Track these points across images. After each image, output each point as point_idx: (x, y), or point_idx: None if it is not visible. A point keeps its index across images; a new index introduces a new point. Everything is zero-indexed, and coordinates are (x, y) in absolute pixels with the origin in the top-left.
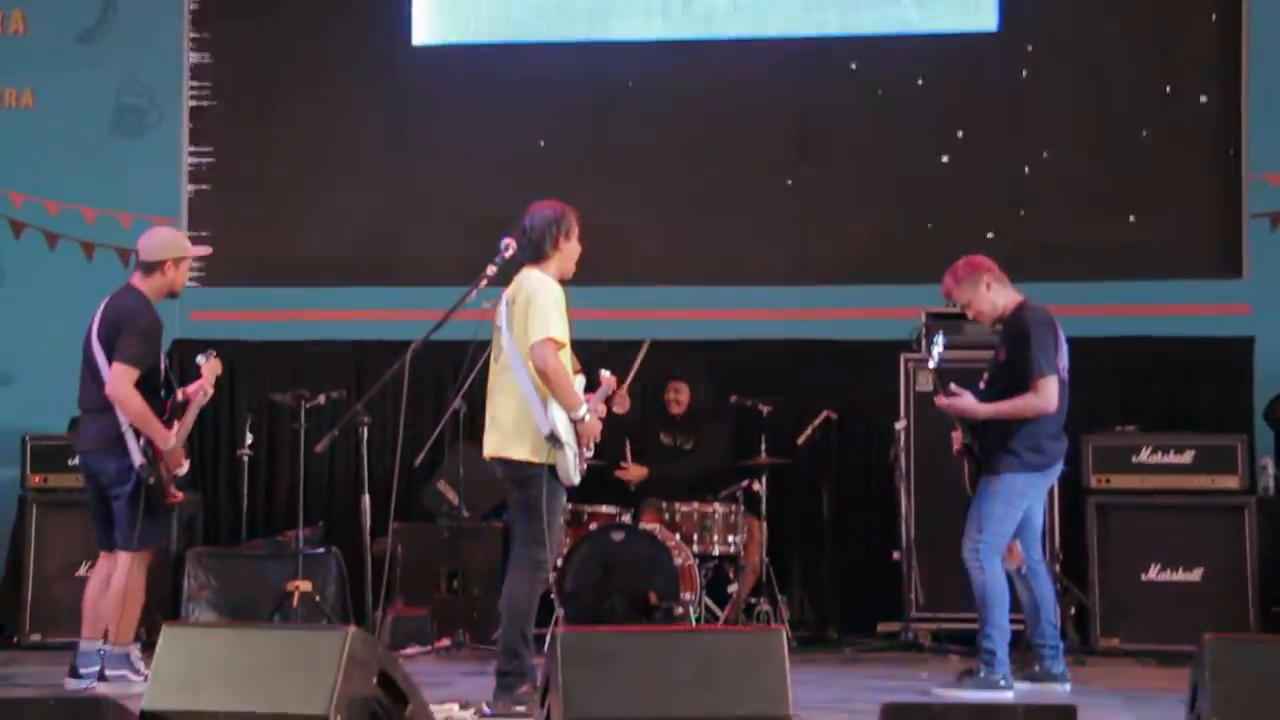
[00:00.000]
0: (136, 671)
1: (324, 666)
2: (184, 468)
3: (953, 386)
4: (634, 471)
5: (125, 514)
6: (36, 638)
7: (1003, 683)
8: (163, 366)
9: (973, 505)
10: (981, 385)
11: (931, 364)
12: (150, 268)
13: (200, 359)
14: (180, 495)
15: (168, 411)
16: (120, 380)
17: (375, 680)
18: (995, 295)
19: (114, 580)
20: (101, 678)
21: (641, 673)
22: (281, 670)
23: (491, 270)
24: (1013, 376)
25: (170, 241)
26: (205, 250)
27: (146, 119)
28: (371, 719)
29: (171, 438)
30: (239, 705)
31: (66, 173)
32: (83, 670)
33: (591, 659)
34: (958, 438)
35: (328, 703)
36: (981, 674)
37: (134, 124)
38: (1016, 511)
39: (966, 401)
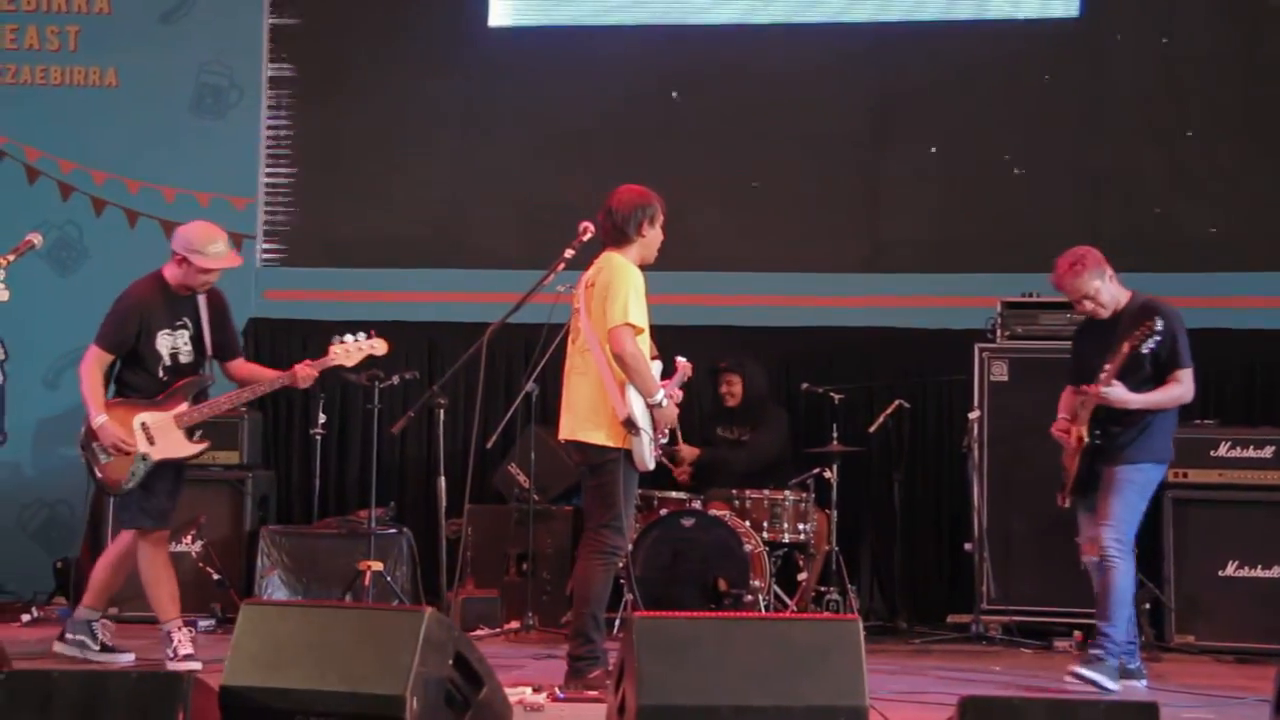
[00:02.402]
0: (173, 651)
1: (402, 647)
2: (186, 451)
3: (1104, 375)
4: (687, 451)
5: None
6: (114, 611)
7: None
8: (164, 348)
9: (1106, 498)
10: (1105, 376)
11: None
12: (172, 255)
13: (346, 340)
14: (125, 479)
15: (167, 392)
16: (84, 359)
17: (451, 662)
18: (1115, 287)
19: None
20: (61, 638)
21: (716, 660)
22: (359, 649)
23: (569, 253)
24: (1151, 368)
25: (190, 239)
26: (231, 263)
27: (226, 99)
28: (447, 700)
29: (101, 416)
30: (317, 684)
31: (147, 151)
32: (67, 635)
33: (667, 645)
34: (1076, 431)
35: (405, 683)
36: (1109, 662)
37: (214, 104)
38: (1146, 504)
39: (1122, 391)
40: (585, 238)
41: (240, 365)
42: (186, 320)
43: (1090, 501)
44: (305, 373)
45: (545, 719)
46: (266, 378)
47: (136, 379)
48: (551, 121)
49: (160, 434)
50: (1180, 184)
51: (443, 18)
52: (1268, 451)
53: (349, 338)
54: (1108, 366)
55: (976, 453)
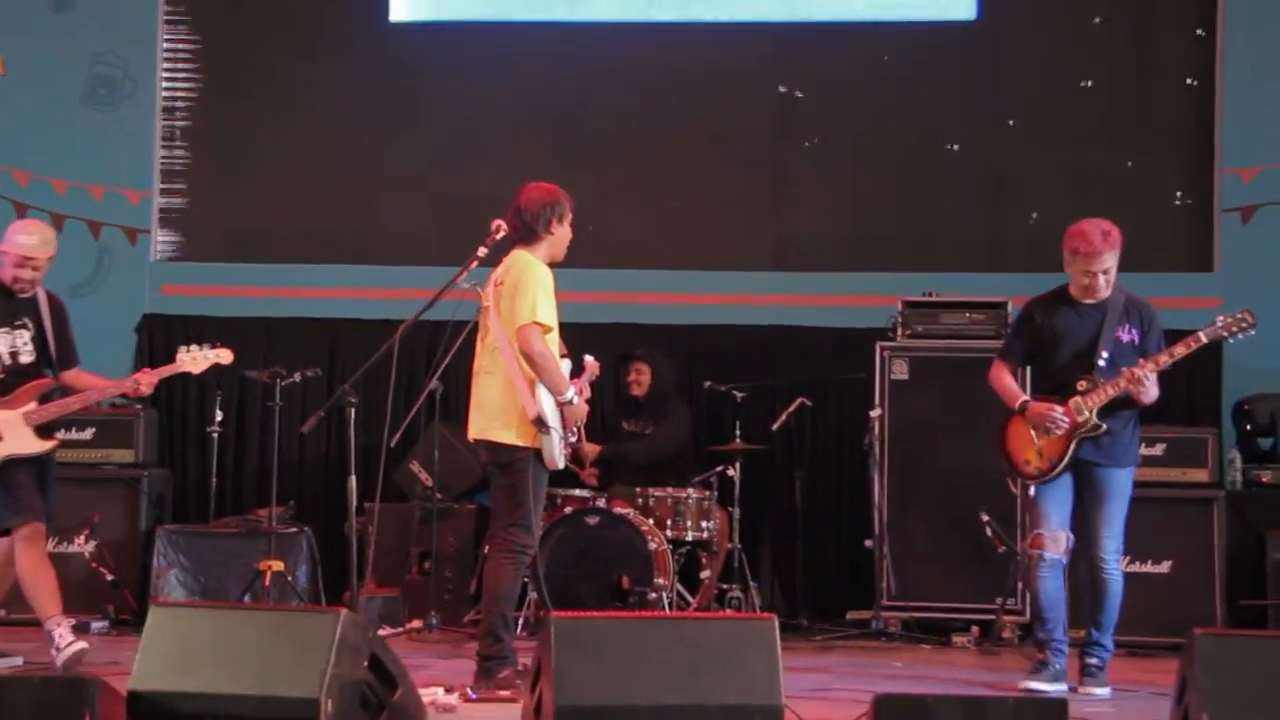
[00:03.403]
0: (55, 647)
1: (316, 649)
2: (36, 448)
3: (1151, 364)
4: (588, 449)
5: None
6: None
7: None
8: (3, 346)
9: (1105, 504)
10: (1152, 365)
11: (1206, 337)
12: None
13: (193, 349)
14: None
15: (13, 392)
16: None
17: (366, 663)
18: None
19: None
20: None
21: (634, 659)
22: (272, 652)
23: (483, 252)
24: (1138, 359)
25: (8, 231)
26: (37, 252)
27: (120, 90)
28: (361, 702)
29: None
30: (229, 687)
31: (38, 143)
32: None
33: (584, 645)
34: (1071, 414)
35: (320, 685)
36: (1099, 674)
37: (107, 95)
38: None
39: (1154, 386)
40: (498, 236)
41: (79, 375)
42: (27, 320)
43: (1062, 495)
44: (146, 379)
45: None
46: (102, 385)
47: None
48: (457, 117)
49: (8, 431)
50: (1072, 183)
51: (342, 10)
52: (1159, 449)
53: (194, 346)
54: (1161, 357)
55: (878, 450)
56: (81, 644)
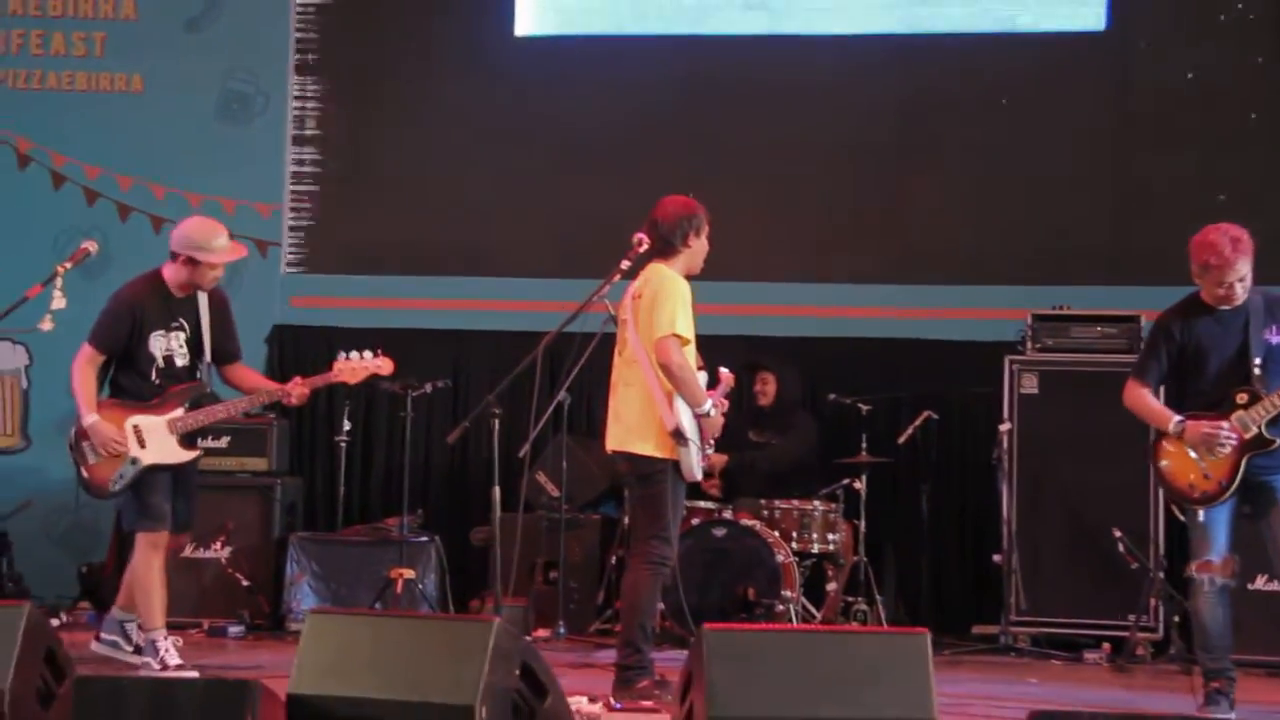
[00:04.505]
0: (159, 660)
1: (471, 657)
2: (179, 457)
3: None
4: (715, 460)
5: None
6: None
7: None
8: (158, 349)
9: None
10: (1257, 369)
11: None
12: (173, 256)
13: (351, 357)
14: (112, 479)
15: (162, 396)
16: (76, 358)
17: (518, 672)
18: None
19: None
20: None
21: (787, 672)
22: (427, 659)
23: (625, 265)
24: None
25: (189, 238)
26: (237, 254)
27: (252, 106)
28: (514, 711)
29: (91, 415)
30: (385, 693)
31: (173, 157)
32: (102, 634)
33: (737, 657)
34: (1238, 430)
35: (474, 694)
36: None
37: (240, 111)
38: None
39: None
40: (641, 249)
41: (238, 370)
42: (183, 322)
43: (1228, 516)
44: (299, 391)
45: None
46: (263, 388)
47: (128, 381)
48: (579, 130)
49: (152, 438)
50: (1207, 193)
51: (470, 25)
52: None
53: (354, 355)
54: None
55: (1006, 464)
56: (192, 672)
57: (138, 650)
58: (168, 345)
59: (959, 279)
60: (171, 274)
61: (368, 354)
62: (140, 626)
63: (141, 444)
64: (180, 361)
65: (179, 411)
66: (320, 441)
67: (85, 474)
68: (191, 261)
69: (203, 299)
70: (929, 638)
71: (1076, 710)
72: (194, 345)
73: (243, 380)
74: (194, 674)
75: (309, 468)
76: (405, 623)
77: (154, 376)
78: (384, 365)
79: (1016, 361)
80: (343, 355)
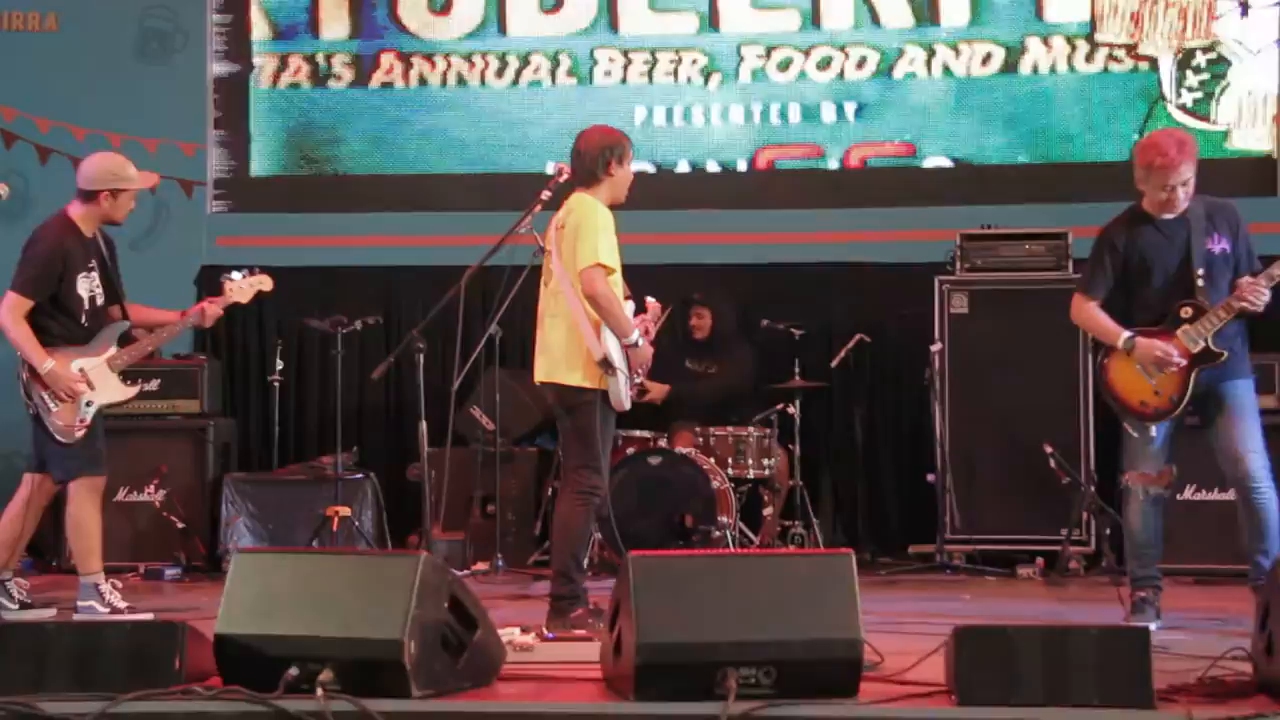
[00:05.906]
0: (104, 603)
1: (398, 591)
2: (123, 395)
3: (1258, 282)
4: (656, 390)
5: (35, 440)
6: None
7: None
8: (84, 291)
9: (1240, 420)
10: (1200, 280)
11: None
12: (87, 196)
13: (235, 278)
14: (76, 425)
15: (95, 337)
16: (4, 307)
17: (447, 605)
18: None
19: (66, 510)
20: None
21: (714, 596)
22: (355, 595)
23: (545, 195)
24: (1234, 268)
25: (108, 170)
26: (150, 181)
27: (171, 43)
28: (442, 643)
29: (48, 362)
30: (313, 630)
31: (92, 98)
32: None
33: (663, 583)
34: (1183, 346)
35: (402, 627)
36: None
37: (159, 49)
38: None
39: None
40: (561, 179)
41: (137, 308)
42: (94, 262)
43: (1169, 427)
44: (213, 310)
45: (535, 659)
46: (170, 318)
47: (57, 325)
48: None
49: (98, 379)
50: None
51: None
52: None
53: (235, 275)
54: (1275, 270)
55: (938, 384)
56: (147, 615)
57: (25, 606)
58: (90, 286)
59: (888, 201)
60: (83, 213)
61: (245, 271)
62: (78, 571)
63: (90, 386)
64: (100, 302)
65: (113, 350)
66: (253, 382)
67: (58, 422)
68: (113, 194)
69: (100, 239)
70: (853, 557)
71: (1001, 624)
72: (106, 284)
73: (143, 315)
74: (149, 616)
75: (242, 408)
76: (332, 559)
77: (83, 319)
78: (264, 281)
79: (946, 282)
80: (224, 277)
